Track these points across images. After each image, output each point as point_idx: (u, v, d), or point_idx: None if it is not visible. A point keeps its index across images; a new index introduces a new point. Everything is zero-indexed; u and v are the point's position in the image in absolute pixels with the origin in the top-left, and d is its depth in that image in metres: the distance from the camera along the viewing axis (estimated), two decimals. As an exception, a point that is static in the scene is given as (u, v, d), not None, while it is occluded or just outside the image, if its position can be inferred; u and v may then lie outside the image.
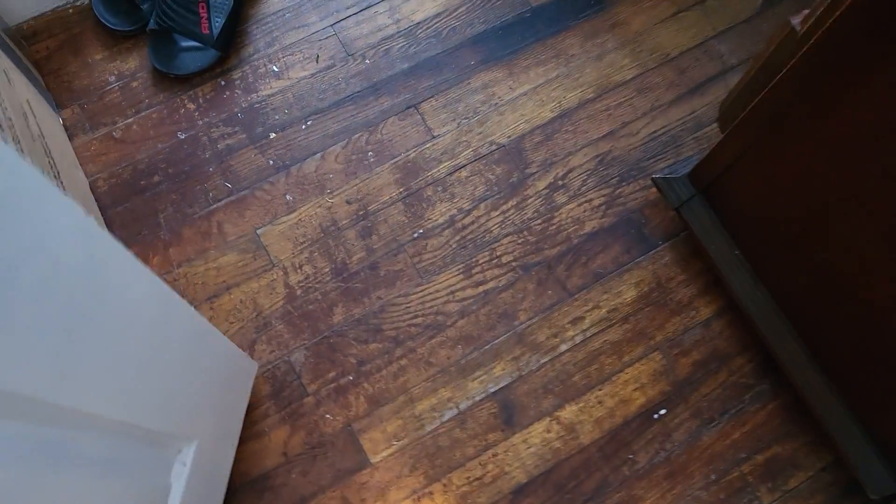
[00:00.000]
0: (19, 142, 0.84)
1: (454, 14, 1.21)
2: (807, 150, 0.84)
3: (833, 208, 0.84)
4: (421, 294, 1.08)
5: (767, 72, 0.92)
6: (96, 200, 1.10)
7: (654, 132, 1.17)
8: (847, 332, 0.92)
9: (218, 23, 1.13)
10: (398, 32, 1.20)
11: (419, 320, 1.07)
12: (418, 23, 1.21)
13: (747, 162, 0.94)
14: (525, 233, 1.12)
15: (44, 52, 1.17)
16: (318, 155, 1.14)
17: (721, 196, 1.03)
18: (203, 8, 1.12)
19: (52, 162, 0.94)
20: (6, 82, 0.91)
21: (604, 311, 1.08)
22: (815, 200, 0.86)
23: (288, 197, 1.12)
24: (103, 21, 1.16)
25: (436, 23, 1.21)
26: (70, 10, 1.18)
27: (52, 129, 1.04)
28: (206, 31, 1.13)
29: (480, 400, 1.04)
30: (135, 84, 1.16)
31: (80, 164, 1.12)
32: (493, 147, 1.15)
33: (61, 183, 0.95)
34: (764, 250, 1.00)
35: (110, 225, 1.09)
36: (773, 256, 0.99)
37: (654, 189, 1.14)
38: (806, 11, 0.88)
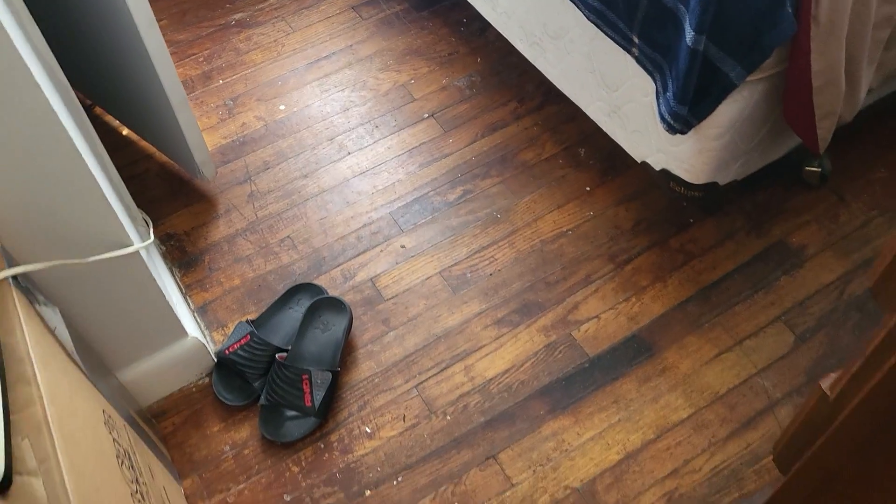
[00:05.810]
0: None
1: (521, 368, 1.38)
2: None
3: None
4: None
5: (809, 430, 1.03)
6: (211, 567, 1.22)
7: (715, 467, 1.26)
8: None
9: (319, 396, 1.31)
10: (473, 389, 1.37)
11: None
12: (491, 379, 1.38)
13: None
14: (607, 577, 1.18)
15: (170, 428, 1.35)
16: (409, 509, 1.25)
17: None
18: (307, 384, 1.31)
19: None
20: (150, 476, 1.07)
21: None
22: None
23: (383, 553, 1.22)
24: (220, 398, 1.36)
25: (506, 378, 1.38)
26: (193, 389, 1.39)
27: (179, 506, 1.18)
28: (309, 404, 1.31)
29: None
30: (246, 451, 1.32)
31: (198, 532, 1.25)
32: (568, 491, 1.25)
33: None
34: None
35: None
36: None
37: (723, 525, 1.21)
38: (834, 375, 1.02)
